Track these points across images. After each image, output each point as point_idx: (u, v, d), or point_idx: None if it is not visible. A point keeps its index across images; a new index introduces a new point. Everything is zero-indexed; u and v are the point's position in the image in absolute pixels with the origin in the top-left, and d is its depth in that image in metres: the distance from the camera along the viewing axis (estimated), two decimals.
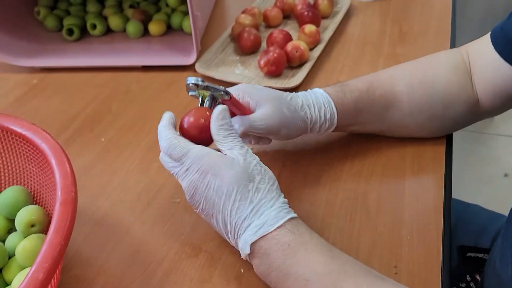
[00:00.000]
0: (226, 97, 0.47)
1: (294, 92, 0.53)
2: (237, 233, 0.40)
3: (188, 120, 0.45)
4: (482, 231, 0.69)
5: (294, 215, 0.41)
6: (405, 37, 0.82)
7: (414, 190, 0.53)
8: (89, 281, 0.46)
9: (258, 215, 0.39)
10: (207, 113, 0.45)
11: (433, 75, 0.54)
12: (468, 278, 0.62)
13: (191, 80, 0.46)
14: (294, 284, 0.37)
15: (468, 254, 0.64)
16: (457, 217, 0.70)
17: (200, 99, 0.47)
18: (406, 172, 0.55)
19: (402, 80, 0.54)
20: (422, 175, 0.54)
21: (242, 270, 0.46)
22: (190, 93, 0.48)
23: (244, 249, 0.40)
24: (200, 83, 0.45)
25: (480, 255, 0.64)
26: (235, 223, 0.40)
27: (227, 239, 0.43)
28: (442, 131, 0.57)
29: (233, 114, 0.50)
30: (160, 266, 0.47)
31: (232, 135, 0.43)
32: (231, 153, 0.42)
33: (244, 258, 0.41)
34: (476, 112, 0.55)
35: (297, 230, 0.39)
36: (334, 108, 0.52)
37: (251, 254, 0.40)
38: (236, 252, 0.46)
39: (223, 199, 0.40)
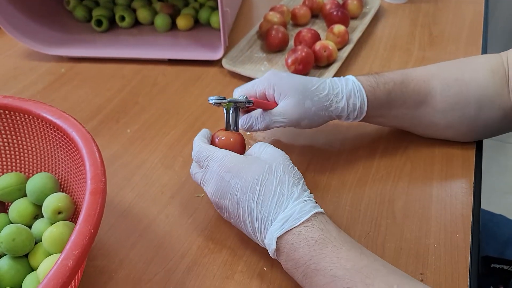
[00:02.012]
0: (249, 105, 0.49)
1: (324, 79, 0.53)
2: (264, 229, 0.40)
3: (220, 140, 0.47)
4: (507, 242, 0.67)
5: (321, 210, 0.40)
6: (435, 42, 0.80)
7: (442, 197, 0.52)
8: (111, 273, 0.46)
9: (283, 208, 0.39)
10: (237, 135, 0.48)
11: (470, 75, 0.53)
12: None
13: (213, 99, 0.48)
14: (322, 280, 0.36)
15: (493, 265, 0.63)
16: (482, 227, 0.68)
17: (225, 110, 0.49)
18: (434, 178, 0.54)
19: (437, 75, 0.53)
20: (451, 182, 0.53)
21: (265, 268, 0.45)
22: (212, 102, 0.49)
23: (271, 244, 0.39)
24: (222, 100, 0.48)
25: (505, 267, 0.62)
26: (262, 218, 0.40)
27: (257, 241, 0.43)
28: (471, 135, 0.56)
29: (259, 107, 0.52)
30: (183, 261, 0.47)
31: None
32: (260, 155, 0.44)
33: (272, 257, 0.41)
34: (509, 120, 0.54)
35: (324, 226, 0.39)
36: (365, 97, 0.51)
37: (277, 249, 0.39)
38: (259, 250, 0.47)
39: (247, 195, 0.41)
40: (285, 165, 0.42)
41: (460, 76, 0.53)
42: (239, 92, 0.53)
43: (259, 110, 0.52)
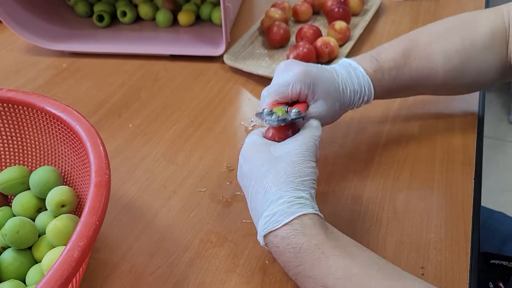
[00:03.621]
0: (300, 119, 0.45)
1: (338, 71, 0.51)
2: (258, 221, 0.39)
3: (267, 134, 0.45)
4: (506, 238, 0.68)
5: (309, 210, 0.37)
6: None
7: (443, 191, 0.52)
8: (114, 266, 0.46)
9: (267, 206, 0.38)
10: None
11: (470, 42, 0.53)
12: (491, 285, 0.62)
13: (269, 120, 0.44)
14: (312, 285, 0.35)
15: (492, 261, 0.63)
16: (482, 224, 0.69)
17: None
18: (435, 173, 0.54)
19: (439, 47, 0.53)
20: (452, 177, 0.53)
21: (267, 262, 0.46)
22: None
23: (260, 239, 0.39)
24: (287, 118, 0.43)
25: (504, 263, 0.63)
26: (254, 209, 0.40)
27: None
28: (469, 91, 0.60)
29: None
30: (185, 254, 0.47)
31: None
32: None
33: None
34: (506, 76, 0.55)
35: (309, 231, 0.36)
36: (373, 91, 0.52)
37: (267, 246, 0.39)
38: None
39: (249, 183, 0.41)
40: (293, 161, 0.40)
41: (460, 47, 0.53)
42: (271, 93, 0.48)
43: None
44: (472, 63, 0.53)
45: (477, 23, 0.54)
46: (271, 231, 0.37)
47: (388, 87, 0.53)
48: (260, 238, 0.39)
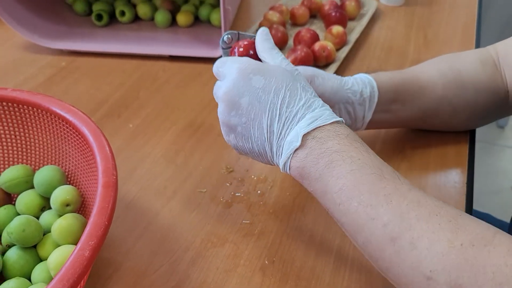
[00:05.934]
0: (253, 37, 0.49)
1: None
2: (287, 129, 0.40)
3: (238, 49, 0.48)
4: None
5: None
6: (430, 44, 0.82)
7: (436, 194, 0.53)
8: (117, 265, 0.47)
9: (311, 110, 0.40)
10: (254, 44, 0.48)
11: (461, 65, 0.55)
12: None
13: (225, 35, 0.49)
14: (349, 166, 0.37)
15: None
16: None
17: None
18: (429, 177, 0.56)
19: (432, 68, 0.56)
20: (445, 181, 0.55)
21: (266, 262, 0.47)
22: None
23: (294, 142, 0.39)
24: (234, 32, 0.49)
25: None
26: (286, 118, 0.40)
27: (267, 152, 0.42)
28: (474, 121, 0.59)
29: None
30: (187, 254, 0.48)
31: (276, 49, 0.45)
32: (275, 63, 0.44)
33: (282, 166, 0.41)
34: (506, 105, 0.56)
35: (351, 130, 0.40)
36: (371, 77, 0.53)
37: (300, 147, 0.39)
38: (261, 244, 0.48)
39: (271, 95, 0.40)
40: (302, 78, 0.43)
41: (452, 65, 0.55)
42: None
43: None
44: (468, 82, 0.55)
45: (463, 56, 0.57)
46: (317, 127, 0.39)
47: (389, 84, 0.53)
48: (296, 139, 0.39)
